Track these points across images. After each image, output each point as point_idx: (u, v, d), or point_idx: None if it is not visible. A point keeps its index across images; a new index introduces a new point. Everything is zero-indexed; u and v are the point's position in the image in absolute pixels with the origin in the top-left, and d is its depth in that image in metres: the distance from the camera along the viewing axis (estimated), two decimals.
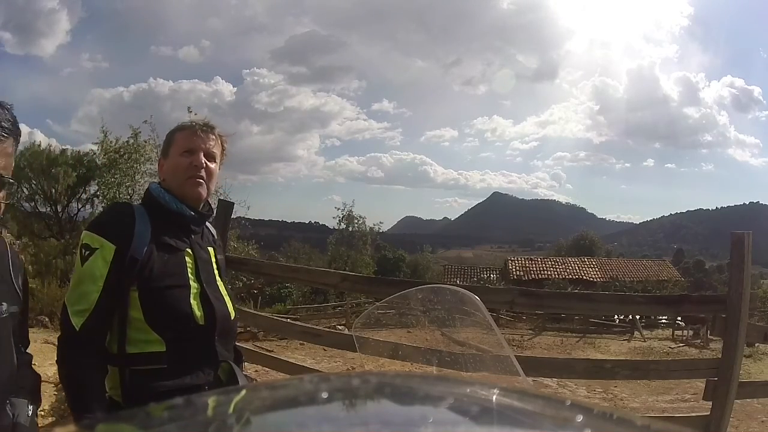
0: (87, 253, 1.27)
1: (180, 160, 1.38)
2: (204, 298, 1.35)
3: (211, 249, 1.46)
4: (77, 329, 1.24)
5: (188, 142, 1.39)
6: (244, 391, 0.75)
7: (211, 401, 0.54)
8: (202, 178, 1.38)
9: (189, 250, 1.37)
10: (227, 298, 1.44)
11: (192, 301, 1.33)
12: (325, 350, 8.38)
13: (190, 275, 1.35)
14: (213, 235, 1.54)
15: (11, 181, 1.00)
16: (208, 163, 1.40)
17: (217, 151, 1.42)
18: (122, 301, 1.27)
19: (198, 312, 1.33)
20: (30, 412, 1.08)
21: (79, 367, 1.23)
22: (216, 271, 1.44)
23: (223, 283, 1.46)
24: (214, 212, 1.57)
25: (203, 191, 1.39)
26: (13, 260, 1.13)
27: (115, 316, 1.28)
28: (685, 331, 15.67)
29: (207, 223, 1.55)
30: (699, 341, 14.07)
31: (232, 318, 1.44)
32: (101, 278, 1.26)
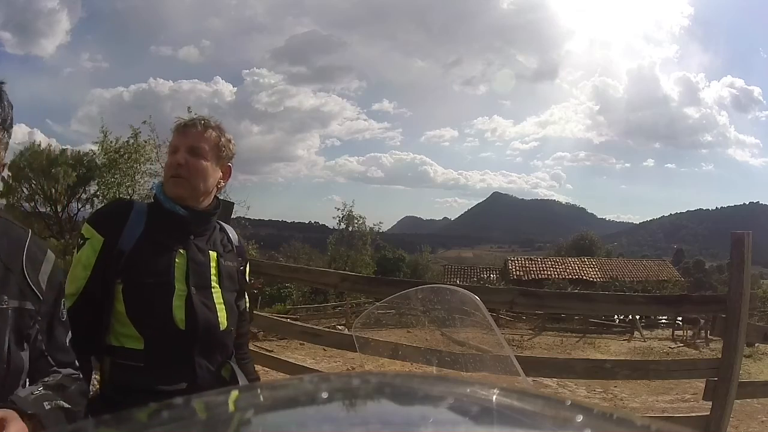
0: (81, 242, 1.33)
1: (167, 160, 1.41)
2: (189, 303, 1.30)
3: (213, 253, 1.39)
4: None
5: (173, 141, 1.40)
6: (243, 391, 0.75)
7: (211, 401, 0.54)
8: (179, 175, 1.35)
9: (182, 251, 1.33)
10: (221, 307, 1.36)
11: (174, 303, 1.29)
12: (325, 350, 8.38)
13: (177, 276, 1.31)
14: (230, 240, 1.48)
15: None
16: (192, 158, 1.35)
17: (204, 144, 1.36)
18: (109, 291, 1.29)
19: (179, 315, 1.29)
20: (37, 392, 0.98)
21: None
22: (214, 276, 1.37)
23: (223, 290, 1.38)
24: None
25: (183, 189, 1.35)
26: (33, 253, 1.04)
27: (104, 306, 1.29)
28: (686, 331, 15.66)
29: (226, 227, 1.50)
30: (700, 341, 14.05)
31: (222, 329, 1.36)
32: (89, 267, 1.30)
